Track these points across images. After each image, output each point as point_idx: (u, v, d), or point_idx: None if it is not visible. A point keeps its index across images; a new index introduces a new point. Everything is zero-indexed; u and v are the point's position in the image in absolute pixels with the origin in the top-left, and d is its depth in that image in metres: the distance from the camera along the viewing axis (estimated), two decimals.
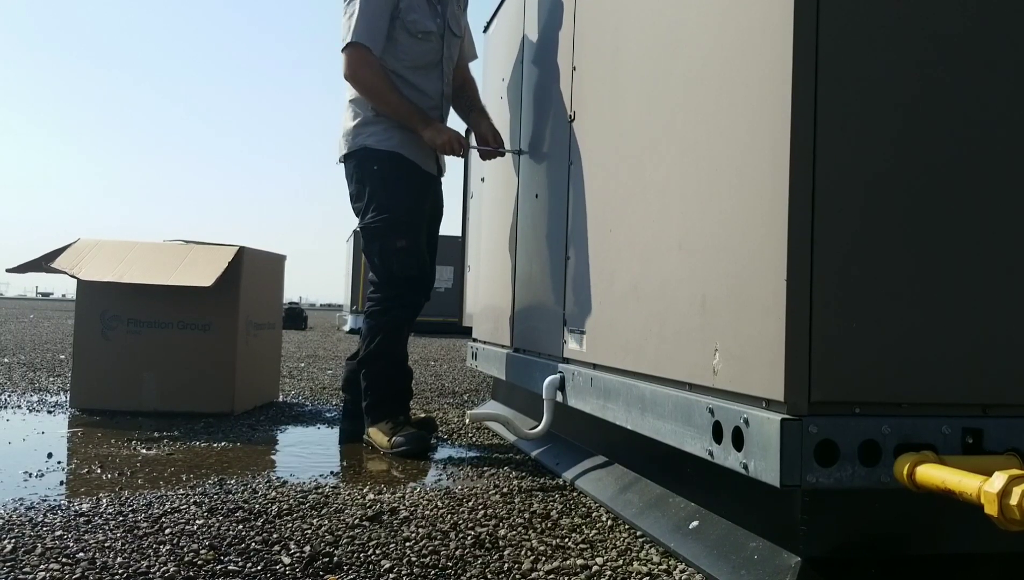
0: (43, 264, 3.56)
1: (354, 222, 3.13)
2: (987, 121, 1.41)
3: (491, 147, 3.09)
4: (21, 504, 1.94)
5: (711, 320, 1.57)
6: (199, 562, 1.55)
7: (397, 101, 2.90)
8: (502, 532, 1.82)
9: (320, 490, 2.17)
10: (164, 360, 3.50)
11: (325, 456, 2.74)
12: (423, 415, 3.27)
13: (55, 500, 2.00)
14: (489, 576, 1.54)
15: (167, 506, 1.94)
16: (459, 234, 4.28)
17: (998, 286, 1.41)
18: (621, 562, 1.63)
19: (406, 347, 3.01)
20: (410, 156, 2.94)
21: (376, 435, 2.85)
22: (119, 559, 1.54)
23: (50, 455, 2.57)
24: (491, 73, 3.76)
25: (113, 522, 1.79)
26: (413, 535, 1.77)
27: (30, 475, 2.28)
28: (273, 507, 1.96)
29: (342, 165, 3.07)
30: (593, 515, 2.00)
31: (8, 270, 3.67)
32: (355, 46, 2.85)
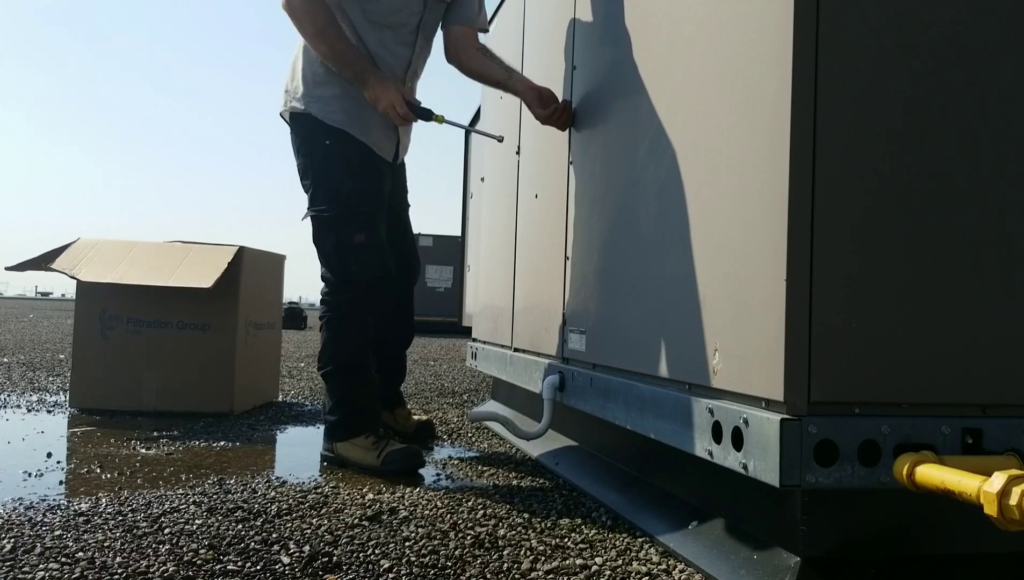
0: (43, 264, 3.56)
1: None
2: (987, 118, 1.41)
3: (544, 110, 2.47)
4: (20, 504, 1.94)
5: (711, 320, 1.57)
6: (198, 562, 1.55)
7: (340, 45, 2.41)
8: (501, 532, 1.82)
9: (319, 490, 2.17)
10: (163, 360, 3.50)
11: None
12: (424, 417, 3.18)
13: (54, 500, 2.00)
14: (488, 576, 1.54)
15: (166, 506, 1.94)
16: (459, 234, 4.28)
17: (998, 286, 1.41)
18: (620, 562, 1.63)
19: (372, 348, 2.64)
20: (359, 136, 2.52)
21: (353, 451, 2.48)
22: (118, 559, 1.54)
23: (49, 455, 2.56)
24: None
25: (112, 522, 1.79)
26: (412, 535, 1.77)
27: (29, 475, 2.28)
28: (272, 507, 1.96)
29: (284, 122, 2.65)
30: (593, 515, 2.00)
31: (7, 268, 3.68)
32: None
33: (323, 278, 2.59)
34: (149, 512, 1.88)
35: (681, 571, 1.58)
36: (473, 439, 3.14)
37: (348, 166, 2.52)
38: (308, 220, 2.60)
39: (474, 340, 3.90)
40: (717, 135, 1.58)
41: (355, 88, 2.50)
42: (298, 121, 2.56)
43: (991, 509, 1.09)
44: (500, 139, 2.72)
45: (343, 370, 2.56)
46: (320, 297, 2.62)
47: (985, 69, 1.41)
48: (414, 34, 2.61)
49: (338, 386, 2.57)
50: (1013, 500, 1.07)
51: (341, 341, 2.55)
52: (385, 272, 2.56)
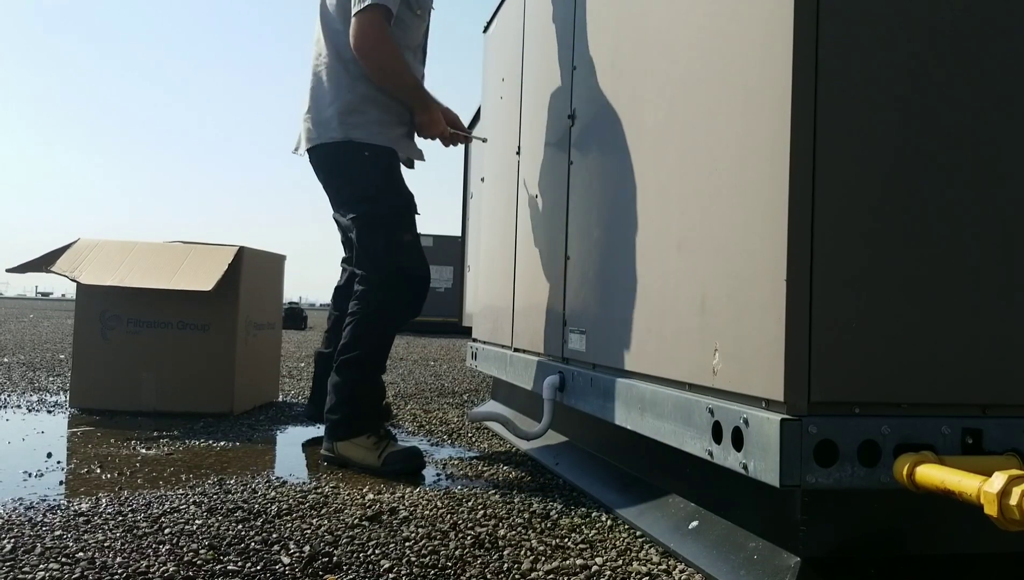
0: (43, 265, 3.56)
1: None
2: (986, 119, 1.41)
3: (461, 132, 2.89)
4: (21, 504, 1.94)
5: (711, 320, 1.57)
6: (199, 562, 1.55)
7: (412, 80, 2.63)
8: (502, 532, 1.82)
9: (319, 490, 2.17)
10: (163, 360, 3.50)
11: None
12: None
13: (55, 500, 2.00)
14: (489, 576, 1.54)
15: (167, 506, 1.94)
16: (459, 234, 4.27)
17: (998, 286, 1.41)
18: (621, 562, 1.63)
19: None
20: (401, 152, 2.70)
21: (354, 451, 2.50)
22: (119, 559, 1.54)
23: (50, 455, 2.57)
24: (491, 73, 3.77)
25: (113, 522, 1.79)
26: (413, 535, 1.77)
27: (30, 475, 2.28)
28: (272, 507, 1.96)
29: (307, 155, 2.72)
30: (593, 515, 2.00)
31: (8, 270, 3.68)
32: (375, 9, 2.48)
33: (362, 279, 2.63)
34: (149, 512, 1.88)
35: (681, 571, 1.58)
36: (473, 439, 3.14)
37: (391, 174, 2.67)
38: (340, 224, 2.73)
39: (474, 340, 3.90)
40: (717, 135, 1.58)
41: (387, 113, 2.64)
42: (331, 148, 2.64)
43: (991, 509, 1.09)
44: (484, 140, 3.01)
45: (358, 365, 2.57)
46: (355, 297, 2.64)
47: (985, 69, 1.41)
48: (422, 51, 2.79)
49: (348, 382, 2.57)
50: (1013, 500, 1.07)
51: (366, 338, 2.58)
52: (427, 272, 2.68)
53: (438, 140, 2.81)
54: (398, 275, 2.58)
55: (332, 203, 2.77)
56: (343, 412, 2.54)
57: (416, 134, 2.77)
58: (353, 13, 2.51)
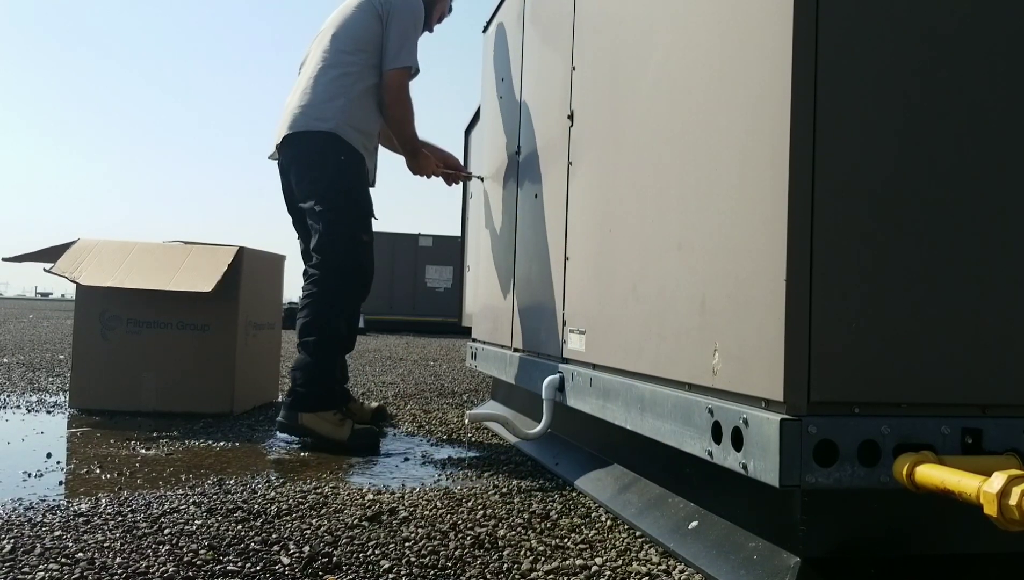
0: (42, 259, 3.56)
1: None
2: (987, 118, 1.41)
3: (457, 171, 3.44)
4: (20, 504, 1.94)
5: (711, 320, 1.57)
6: (198, 562, 1.55)
7: (413, 132, 3.08)
8: (501, 532, 1.82)
9: (319, 490, 2.17)
10: (163, 360, 3.50)
11: (324, 456, 2.74)
12: (375, 404, 3.51)
13: (54, 500, 2.00)
14: (488, 576, 1.54)
15: (166, 506, 1.94)
16: (459, 234, 4.27)
17: (998, 286, 1.41)
18: (620, 562, 1.63)
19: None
20: (368, 163, 3.03)
21: (322, 425, 2.82)
22: (118, 559, 1.54)
23: (49, 455, 2.56)
24: (490, 73, 3.76)
25: (112, 522, 1.79)
26: (412, 535, 1.77)
27: (29, 475, 2.28)
28: (272, 507, 1.96)
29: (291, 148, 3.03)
30: (592, 515, 2.00)
31: (5, 259, 3.69)
32: (408, 70, 2.96)
33: (320, 263, 2.88)
34: (149, 512, 1.88)
35: (681, 571, 1.58)
36: (473, 439, 3.14)
37: (362, 180, 3.01)
38: (301, 214, 3.03)
39: (474, 340, 3.90)
40: (717, 135, 1.58)
41: (371, 130, 3.02)
42: (316, 138, 2.92)
43: (991, 509, 1.09)
44: (481, 178, 3.53)
45: (334, 342, 2.88)
46: (311, 279, 2.89)
47: (986, 68, 1.41)
48: None
49: (323, 358, 2.84)
50: (1013, 500, 1.07)
51: (337, 316, 2.87)
52: (373, 269, 3.02)
53: (439, 178, 3.34)
54: (355, 268, 2.90)
55: (301, 193, 2.99)
56: (317, 387, 2.82)
57: (411, 172, 3.27)
58: (389, 67, 2.93)
